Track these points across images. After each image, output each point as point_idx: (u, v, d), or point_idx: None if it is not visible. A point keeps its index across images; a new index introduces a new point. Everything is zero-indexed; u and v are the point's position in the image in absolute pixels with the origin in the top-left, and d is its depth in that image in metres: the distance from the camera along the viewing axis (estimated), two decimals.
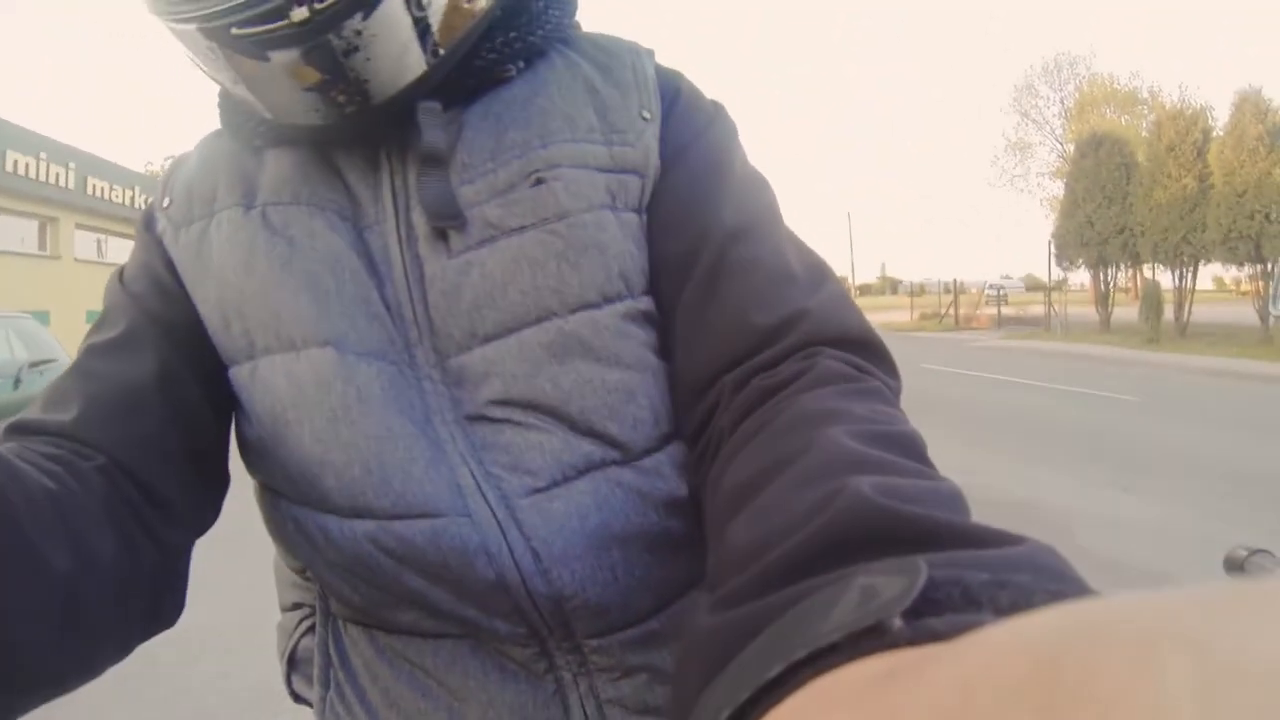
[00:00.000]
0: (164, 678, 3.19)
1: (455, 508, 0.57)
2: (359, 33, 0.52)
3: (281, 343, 0.59)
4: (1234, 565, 0.82)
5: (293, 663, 0.78)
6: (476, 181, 0.60)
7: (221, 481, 0.65)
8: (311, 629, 0.74)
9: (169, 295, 0.64)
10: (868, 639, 0.20)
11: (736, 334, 0.55)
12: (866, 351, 0.54)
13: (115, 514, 0.52)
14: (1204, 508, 4.96)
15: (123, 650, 0.54)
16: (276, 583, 0.84)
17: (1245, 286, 23.36)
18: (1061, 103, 32.16)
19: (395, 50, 0.54)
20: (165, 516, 0.56)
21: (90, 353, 0.61)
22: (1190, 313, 18.62)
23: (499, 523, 0.57)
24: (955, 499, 0.35)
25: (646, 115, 0.64)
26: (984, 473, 5.92)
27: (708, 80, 0.69)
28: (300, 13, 0.49)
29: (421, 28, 0.55)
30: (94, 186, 16.92)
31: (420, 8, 0.54)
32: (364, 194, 0.62)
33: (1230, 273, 20.38)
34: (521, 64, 0.64)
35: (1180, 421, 8.19)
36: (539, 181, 0.59)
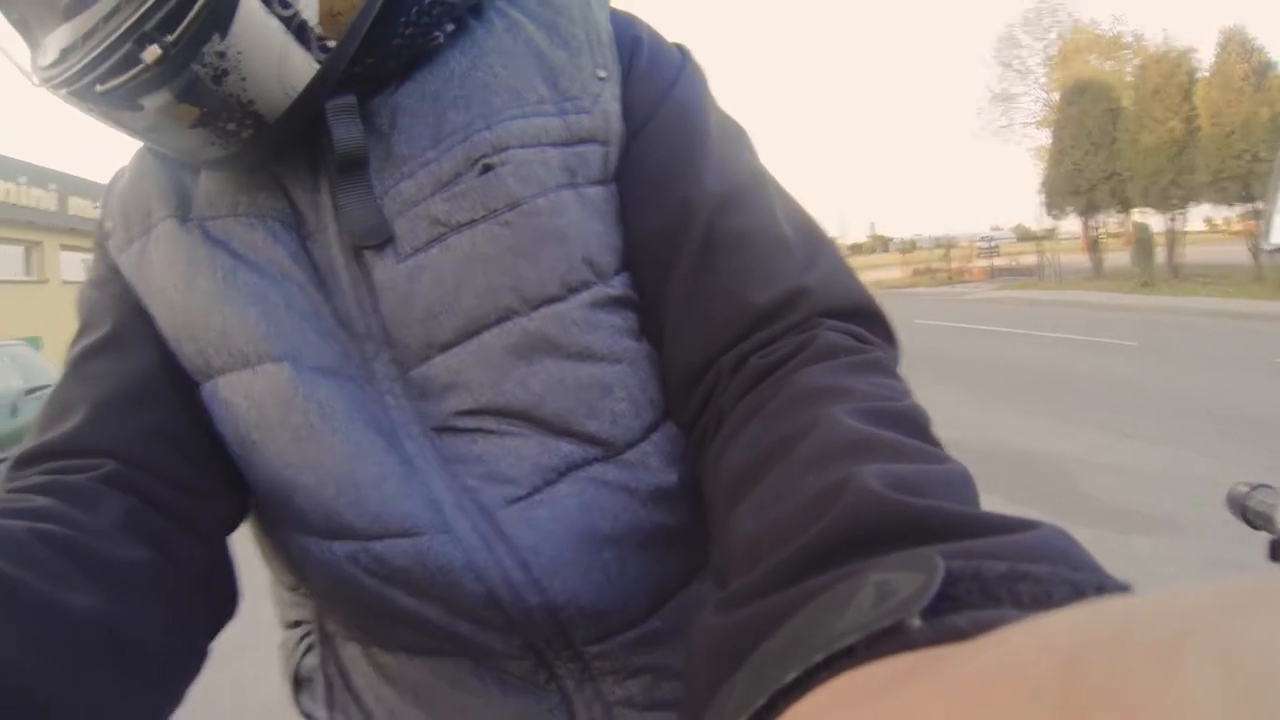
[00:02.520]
0: (190, 693, 3.20)
1: (435, 524, 0.54)
2: (222, 54, 0.47)
3: (236, 360, 0.56)
4: (1236, 502, 0.82)
5: (298, 682, 0.77)
6: (417, 174, 0.54)
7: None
8: (313, 647, 0.72)
9: (139, 301, 0.61)
10: (886, 639, 0.19)
11: (733, 315, 0.52)
12: (866, 320, 0.53)
13: (136, 522, 0.50)
14: (1205, 449, 4.98)
15: (195, 653, 0.52)
16: (274, 600, 0.83)
17: (1236, 226, 23.35)
18: (1044, 51, 31.86)
19: (271, 60, 0.49)
20: (194, 502, 0.55)
21: (80, 358, 0.59)
22: (1182, 254, 18.62)
23: (482, 537, 0.54)
24: (963, 483, 0.35)
25: (602, 74, 0.58)
26: (983, 425, 5.94)
27: (681, 38, 0.65)
28: (152, 51, 0.45)
29: (295, 26, 0.49)
30: (77, 206, 16.75)
31: (285, 4, 0.48)
32: (303, 200, 0.57)
33: (1221, 213, 20.42)
34: (450, 27, 0.57)
35: (1177, 364, 8.21)
36: (486, 169, 0.54)
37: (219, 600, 0.56)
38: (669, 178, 0.57)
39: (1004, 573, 0.22)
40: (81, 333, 0.61)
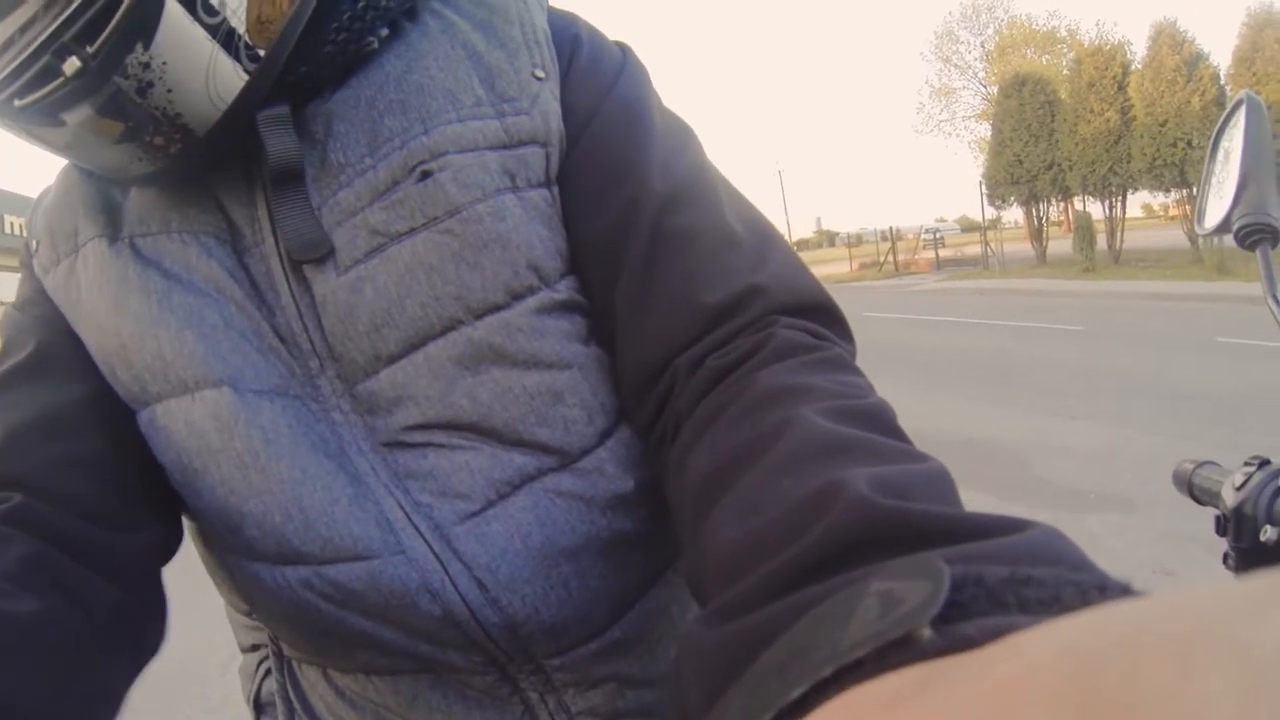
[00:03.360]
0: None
1: (388, 546, 0.52)
2: (146, 65, 0.45)
3: (173, 386, 0.53)
4: (1182, 479, 0.84)
5: (259, 707, 0.76)
6: (355, 183, 0.53)
7: (176, 501, 0.59)
8: (271, 672, 0.70)
9: (67, 324, 0.58)
10: (896, 650, 0.19)
11: (685, 315, 0.51)
12: (821, 316, 0.52)
13: (34, 568, 0.46)
14: (1152, 427, 5.11)
15: (106, 702, 0.48)
16: (230, 624, 0.81)
17: (1173, 211, 24.02)
18: (982, 46, 32.46)
19: (199, 70, 0.47)
20: (113, 534, 0.51)
21: (1, 383, 0.56)
22: (1123, 240, 19.09)
23: (436, 556, 0.53)
24: (944, 481, 0.34)
25: (540, 74, 0.56)
26: (935, 415, 6.02)
27: (618, 35, 0.63)
28: (72, 64, 0.43)
29: (222, 35, 0.47)
30: (11, 224, 16.17)
31: (211, 12, 0.46)
32: (239, 214, 0.55)
33: (1158, 199, 20.98)
34: (385, 31, 0.56)
35: (1123, 346, 8.42)
36: (424, 175, 0.52)
37: (138, 640, 0.52)
38: (613, 178, 0.56)
39: (1007, 577, 0.21)
40: (2, 358, 0.58)
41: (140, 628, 0.53)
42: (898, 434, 0.40)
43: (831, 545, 0.28)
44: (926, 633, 0.19)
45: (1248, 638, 0.11)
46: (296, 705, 0.67)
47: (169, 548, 0.57)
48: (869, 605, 0.21)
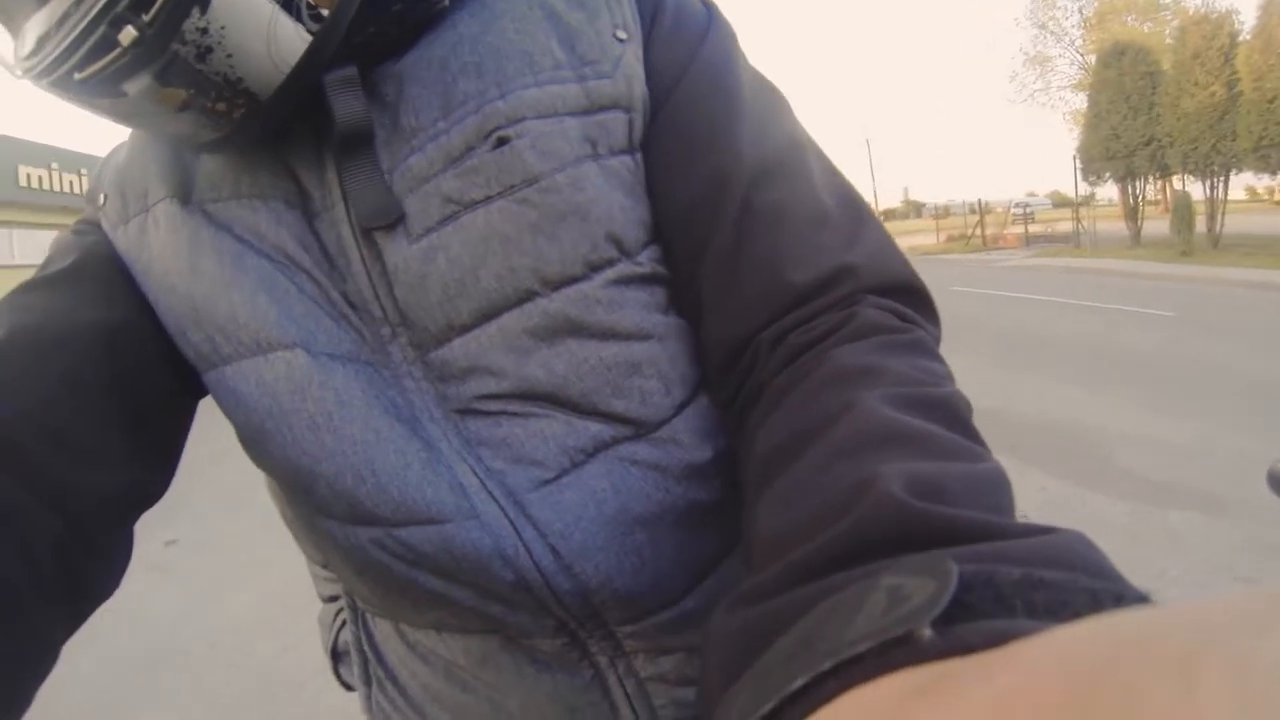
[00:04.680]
0: (223, 660, 3.30)
1: (461, 510, 0.52)
2: (204, 30, 0.44)
3: (246, 347, 0.54)
4: (1276, 480, 0.81)
5: (336, 655, 0.78)
6: (427, 148, 0.52)
7: (168, 454, 0.57)
8: (348, 622, 0.72)
9: (114, 254, 0.58)
10: (897, 650, 0.19)
11: (773, 294, 0.50)
12: (909, 298, 0.51)
13: None
14: (1244, 424, 4.87)
15: (41, 648, 0.44)
16: (310, 574, 0.84)
17: (1279, 195, 22.73)
18: (1080, 12, 31.11)
19: (259, 34, 0.46)
20: (78, 468, 0.48)
21: (22, 287, 0.56)
22: (1223, 224, 18.17)
23: (511, 522, 0.52)
24: (993, 483, 0.34)
25: (622, 35, 0.54)
26: (1019, 396, 5.86)
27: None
28: (128, 33, 0.43)
29: None
30: (27, 176, 16.76)
31: None
32: (309, 179, 0.54)
33: (1263, 181, 19.89)
34: None
35: (1217, 336, 8.03)
36: (501, 142, 0.51)
37: (80, 587, 0.49)
38: (701, 147, 0.54)
39: (1019, 579, 0.21)
40: (42, 268, 0.59)
41: (86, 576, 0.49)
42: (964, 427, 0.39)
43: (853, 541, 0.28)
44: (928, 633, 0.19)
45: (1248, 653, 0.11)
46: (370, 656, 0.69)
47: (142, 499, 0.54)
48: (876, 600, 0.21)
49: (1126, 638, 0.13)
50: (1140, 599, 0.21)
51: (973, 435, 0.39)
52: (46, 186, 15.28)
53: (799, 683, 0.20)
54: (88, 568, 0.49)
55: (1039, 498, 3.87)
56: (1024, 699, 0.13)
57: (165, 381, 0.57)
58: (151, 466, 0.55)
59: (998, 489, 0.34)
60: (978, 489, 0.32)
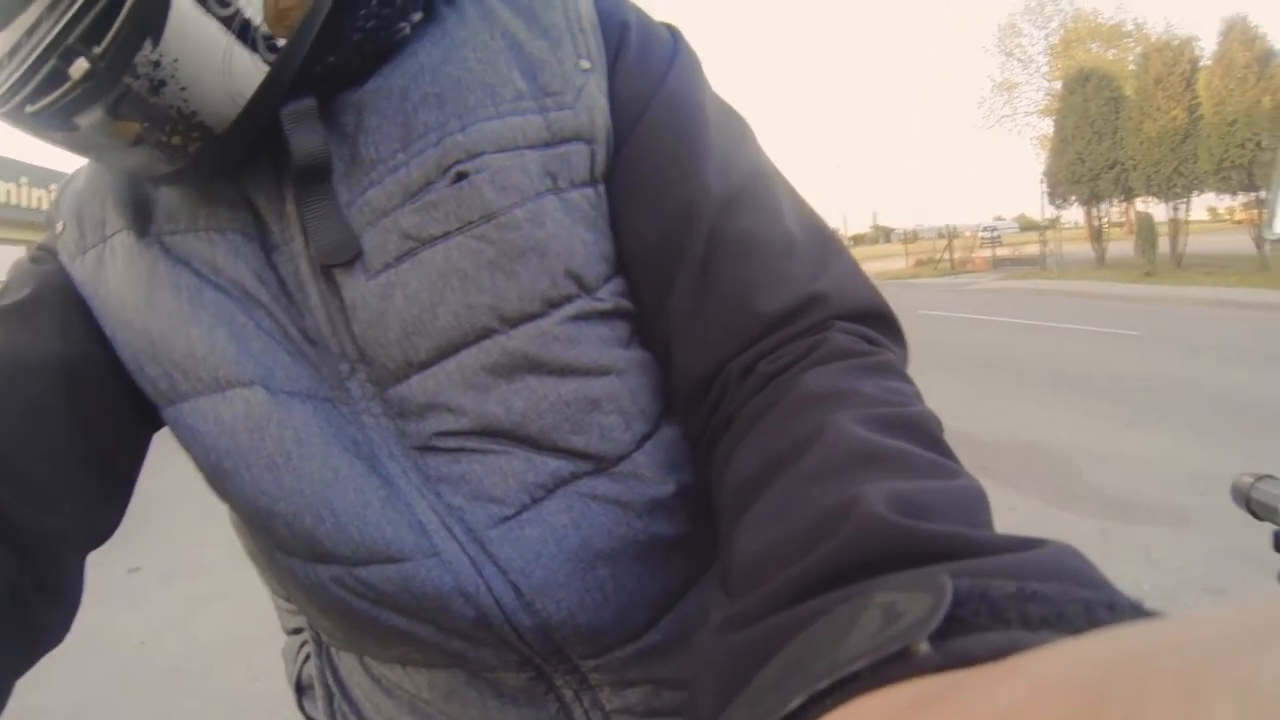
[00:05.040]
0: (193, 688, 3.22)
1: (421, 548, 0.51)
2: (157, 63, 0.43)
3: (204, 384, 0.52)
4: (1240, 494, 0.82)
5: (300, 689, 0.77)
6: (385, 181, 0.51)
7: (121, 489, 0.56)
8: (311, 656, 0.71)
9: (69, 285, 0.57)
10: (893, 665, 0.19)
11: (741, 323, 0.50)
12: (876, 323, 0.51)
13: None
14: (1210, 439, 4.96)
15: None
16: (275, 606, 0.83)
17: (1239, 215, 23.30)
18: (1046, 40, 31.78)
19: (214, 65, 0.45)
20: (26, 505, 0.47)
21: None
22: (1186, 244, 18.55)
23: (471, 559, 0.52)
24: (973, 500, 0.34)
25: (585, 65, 0.53)
26: (987, 416, 5.92)
27: (671, 17, 0.61)
28: (79, 66, 0.41)
29: (237, 26, 0.44)
30: (5, 191, 16.67)
31: (224, 3, 0.44)
32: (268, 212, 0.53)
33: (1224, 202, 20.36)
34: (418, 16, 0.53)
35: (1182, 353, 8.17)
36: (460, 177, 0.50)
37: (33, 628, 0.47)
38: (667, 179, 0.53)
39: (1012, 593, 0.21)
40: None
41: (39, 614, 0.48)
42: (937, 445, 0.39)
43: (841, 562, 0.28)
44: (925, 648, 0.19)
45: (1252, 671, 0.11)
46: (335, 690, 0.68)
47: (94, 535, 0.53)
48: (870, 618, 0.21)
49: (1129, 652, 0.13)
50: (1132, 608, 0.21)
51: (946, 452, 0.39)
52: (15, 202, 15.08)
53: (796, 702, 0.20)
54: (41, 607, 0.48)
55: (1009, 518, 3.89)
56: (1030, 711, 0.13)
57: (124, 415, 0.56)
58: (107, 502, 0.54)
59: (977, 504, 0.34)
60: (958, 505, 0.32)
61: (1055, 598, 0.21)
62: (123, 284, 0.54)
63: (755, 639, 0.27)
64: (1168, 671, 0.12)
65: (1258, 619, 0.13)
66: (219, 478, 0.54)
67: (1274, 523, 0.76)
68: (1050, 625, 0.20)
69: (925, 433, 0.40)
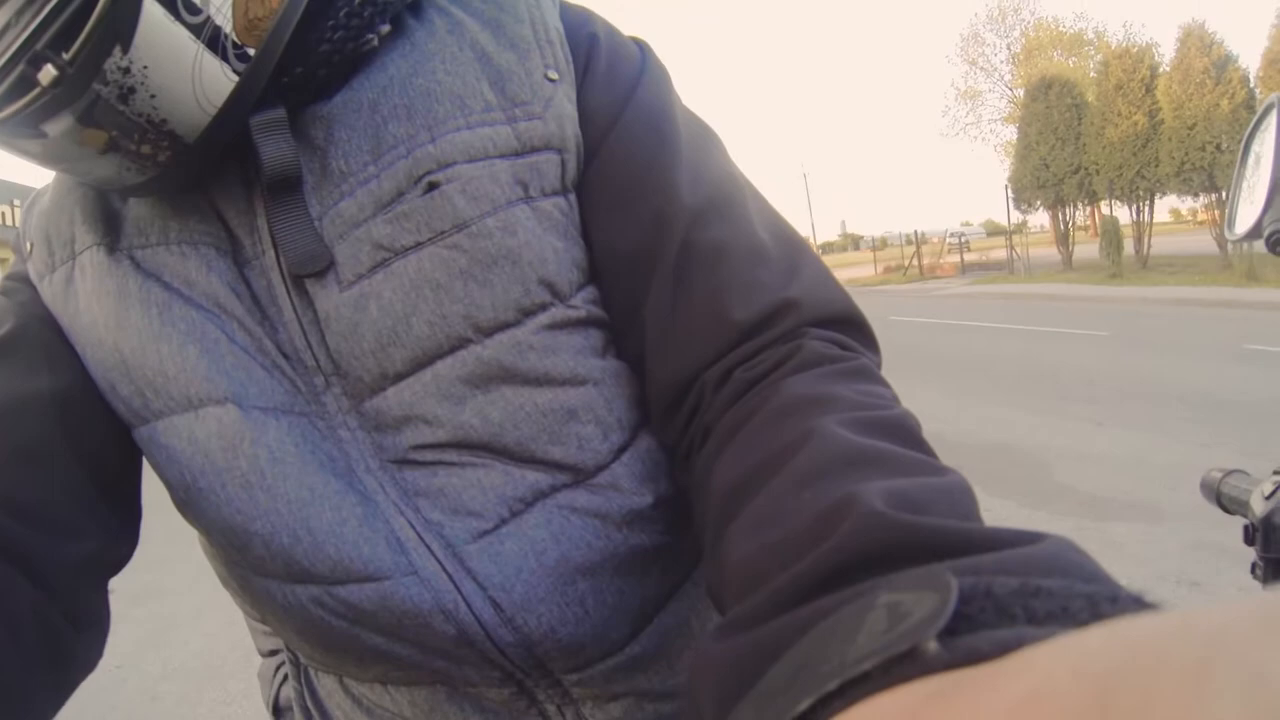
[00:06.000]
0: (169, 712, 3.18)
1: (399, 566, 0.51)
2: (126, 70, 0.43)
3: (177, 402, 0.51)
4: (1210, 488, 0.83)
5: (278, 712, 0.76)
6: (357, 192, 0.50)
7: (133, 510, 0.56)
8: (289, 677, 0.70)
9: (48, 314, 0.56)
10: (901, 665, 0.19)
11: (715, 331, 0.50)
12: (849, 328, 0.52)
13: None
14: (1178, 435, 5.03)
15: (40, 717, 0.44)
16: (249, 629, 0.81)
17: (1201, 216, 23.75)
18: (1008, 48, 32.17)
19: (183, 73, 0.44)
20: (46, 539, 0.47)
21: None
22: (1150, 245, 18.88)
23: (449, 576, 0.51)
24: (963, 494, 0.34)
25: (553, 75, 0.54)
26: (959, 419, 5.98)
27: (635, 31, 0.62)
28: (48, 72, 0.41)
29: (207, 34, 0.44)
30: (2, 214, 16.44)
31: (194, 10, 0.43)
32: (238, 224, 0.52)
33: (1186, 204, 20.72)
34: (385, 28, 0.53)
35: (1150, 352, 8.30)
36: (431, 187, 0.50)
37: (67, 658, 0.47)
38: (638, 191, 0.54)
39: (1016, 588, 0.21)
40: None
41: (70, 644, 0.48)
42: (920, 445, 0.40)
43: (843, 560, 0.28)
44: (933, 646, 0.19)
45: (1262, 661, 0.11)
46: (314, 712, 0.67)
47: (115, 560, 0.53)
48: (876, 618, 0.21)
49: (1139, 645, 0.13)
50: (1134, 600, 0.21)
51: (928, 451, 0.39)
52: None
53: (805, 704, 0.19)
54: (72, 637, 0.48)
55: (985, 519, 3.90)
56: (1041, 705, 0.13)
57: (120, 439, 0.55)
58: (119, 524, 0.54)
59: (967, 499, 0.34)
60: (951, 500, 0.33)
61: (1059, 592, 0.21)
62: (93, 302, 0.53)
63: (759, 641, 0.27)
64: (1175, 664, 0.12)
65: (1263, 611, 0.13)
66: (193, 499, 0.52)
67: (1244, 516, 0.77)
68: (1055, 620, 0.20)
69: (907, 433, 0.40)
